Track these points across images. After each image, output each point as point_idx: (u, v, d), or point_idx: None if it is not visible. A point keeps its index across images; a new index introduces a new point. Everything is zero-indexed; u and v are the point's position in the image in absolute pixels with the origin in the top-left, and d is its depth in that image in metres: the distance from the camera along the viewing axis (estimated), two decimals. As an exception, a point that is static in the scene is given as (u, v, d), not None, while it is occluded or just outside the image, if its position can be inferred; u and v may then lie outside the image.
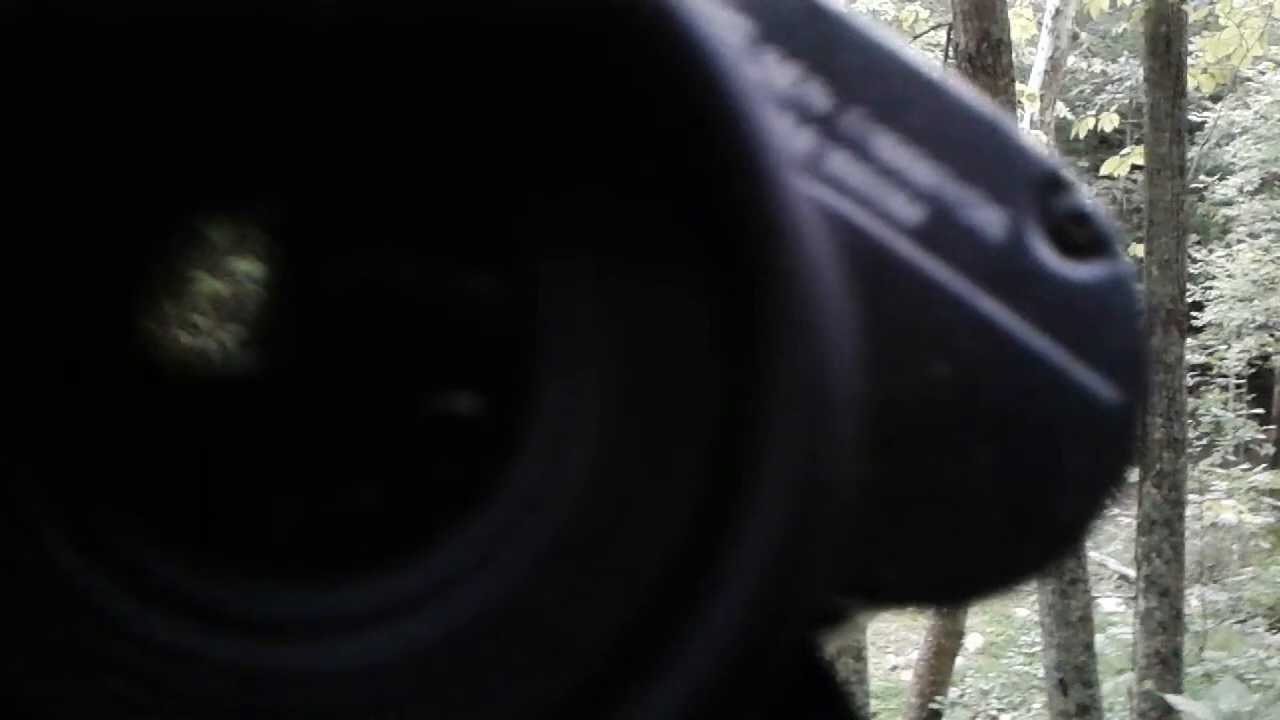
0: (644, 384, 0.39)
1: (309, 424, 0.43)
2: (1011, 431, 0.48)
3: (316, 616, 0.40)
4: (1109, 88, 15.44)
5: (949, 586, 0.48)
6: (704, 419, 0.38)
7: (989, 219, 0.49)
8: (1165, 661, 5.57)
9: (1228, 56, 7.29)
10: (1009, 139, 0.50)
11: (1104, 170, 8.05)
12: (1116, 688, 6.06)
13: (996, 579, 0.49)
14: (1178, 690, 5.93)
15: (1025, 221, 0.49)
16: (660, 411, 0.39)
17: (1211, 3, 7.60)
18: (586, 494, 0.40)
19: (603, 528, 0.39)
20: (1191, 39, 7.12)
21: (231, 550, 0.43)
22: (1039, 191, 0.49)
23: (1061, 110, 10.06)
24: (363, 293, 0.43)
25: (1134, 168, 7.51)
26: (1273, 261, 12.95)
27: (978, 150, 0.49)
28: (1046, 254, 0.49)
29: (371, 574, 0.41)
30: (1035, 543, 0.48)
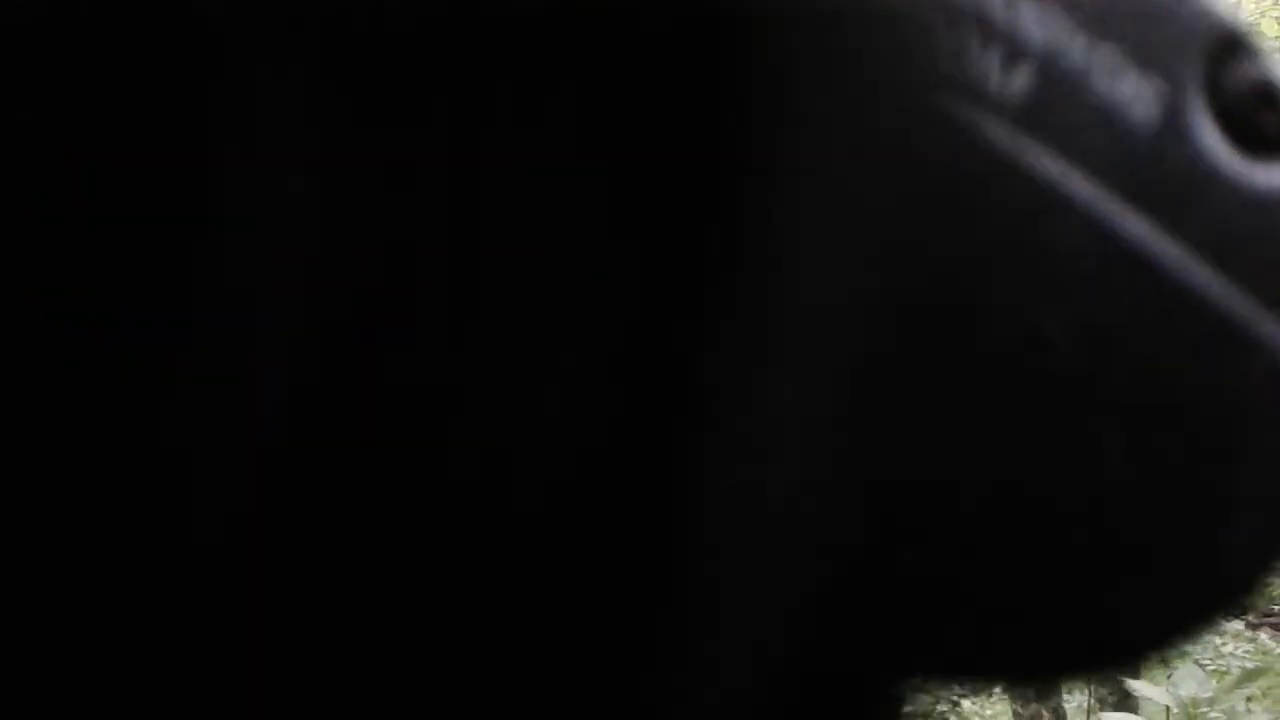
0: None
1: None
2: (1159, 416, 0.31)
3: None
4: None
5: (1041, 659, 0.31)
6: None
7: (1132, 94, 0.32)
8: (1123, 645, 5.50)
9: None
10: (1163, -22, 0.33)
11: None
12: (1075, 672, 5.97)
13: (1123, 643, 0.32)
14: (1135, 675, 5.89)
15: (1187, 100, 0.32)
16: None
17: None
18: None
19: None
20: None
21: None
22: (1208, 58, 0.33)
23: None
24: None
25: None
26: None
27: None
28: (1219, 148, 0.32)
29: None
30: (1191, 586, 0.32)
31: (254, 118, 0.25)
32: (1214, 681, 5.71)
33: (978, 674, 0.31)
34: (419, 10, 0.25)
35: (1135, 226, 0.31)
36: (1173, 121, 0.32)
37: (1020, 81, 0.32)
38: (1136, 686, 5.39)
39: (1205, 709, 5.02)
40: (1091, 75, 0.32)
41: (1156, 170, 0.32)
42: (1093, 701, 5.69)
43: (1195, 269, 0.31)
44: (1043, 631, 0.30)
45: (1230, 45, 0.33)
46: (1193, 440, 0.31)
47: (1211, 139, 0.32)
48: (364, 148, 0.25)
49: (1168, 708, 5.46)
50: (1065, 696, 5.48)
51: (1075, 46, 0.32)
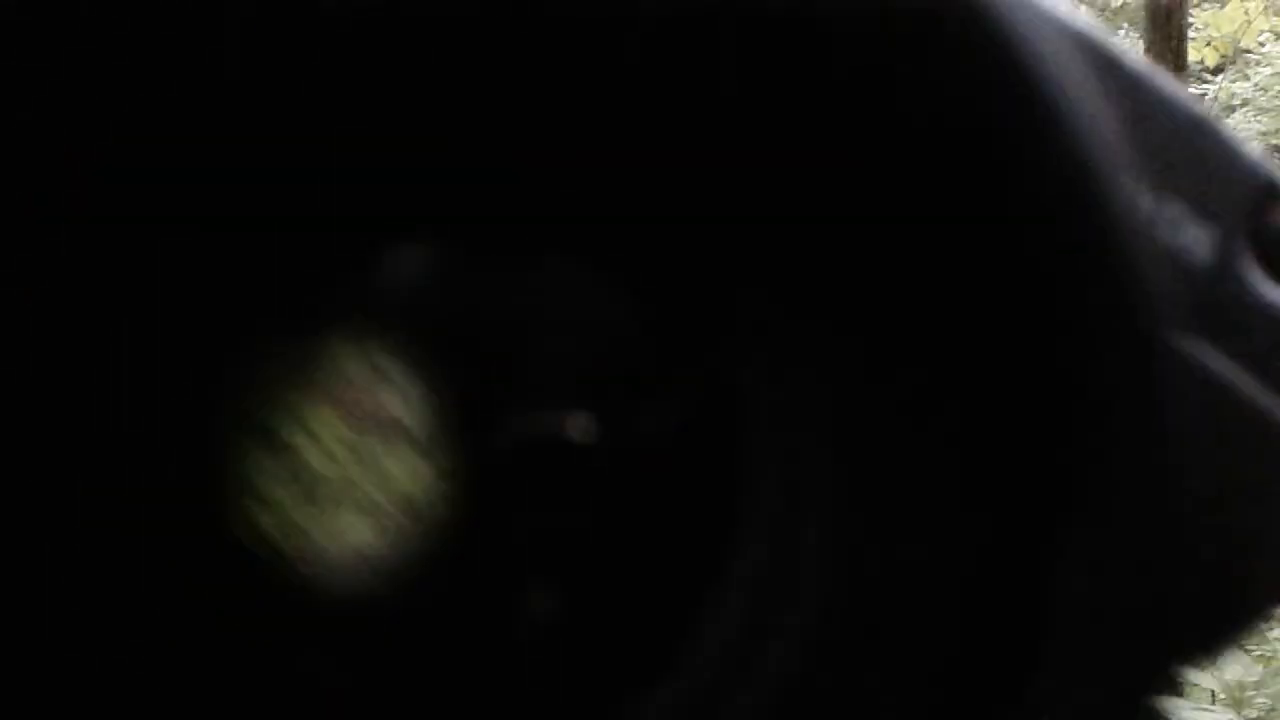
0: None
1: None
2: (1226, 502, 0.39)
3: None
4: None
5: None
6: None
7: (1195, 237, 0.40)
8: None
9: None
10: (1215, 139, 0.41)
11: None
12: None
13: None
14: (1181, 660, 5.86)
15: (1235, 242, 0.40)
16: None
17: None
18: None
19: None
20: (1192, 11, 6.95)
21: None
22: (1252, 206, 0.40)
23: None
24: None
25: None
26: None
27: (1180, 152, 0.40)
28: (1263, 284, 0.40)
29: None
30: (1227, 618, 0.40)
31: None
32: (1260, 667, 5.73)
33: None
34: None
35: (1204, 350, 0.39)
36: (1227, 260, 0.40)
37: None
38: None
39: (1251, 693, 5.03)
40: (1163, 222, 0.39)
41: (1214, 301, 0.39)
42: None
43: (1251, 384, 0.39)
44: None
45: (1272, 194, 0.40)
46: (1249, 512, 0.39)
47: (1258, 277, 0.40)
48: None
49: (1213, 691, 5.46)
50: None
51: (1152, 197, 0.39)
